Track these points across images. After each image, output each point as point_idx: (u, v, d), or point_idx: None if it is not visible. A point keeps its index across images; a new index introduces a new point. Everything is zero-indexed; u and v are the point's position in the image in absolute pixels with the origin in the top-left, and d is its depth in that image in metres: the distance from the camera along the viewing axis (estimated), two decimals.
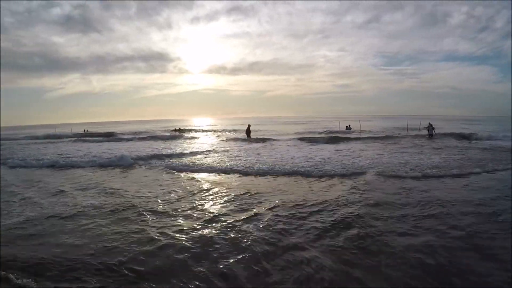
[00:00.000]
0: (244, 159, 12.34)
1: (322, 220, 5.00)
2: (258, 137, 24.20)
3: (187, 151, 15.85)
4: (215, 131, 37.65)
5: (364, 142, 19.46)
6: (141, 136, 28.49)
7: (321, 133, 27.78)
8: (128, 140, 26.10)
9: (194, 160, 12.73)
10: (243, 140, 22.30)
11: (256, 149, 16.43)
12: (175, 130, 38.75)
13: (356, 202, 5.94)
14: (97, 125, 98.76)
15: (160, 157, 13.91)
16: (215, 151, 15.84)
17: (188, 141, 24.20)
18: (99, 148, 18.52)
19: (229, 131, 35.78)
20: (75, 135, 34.10)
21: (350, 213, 5.26)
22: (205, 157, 13.63)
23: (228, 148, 16.96)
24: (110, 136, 32.03)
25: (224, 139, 24.76)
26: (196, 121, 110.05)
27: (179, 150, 16.34)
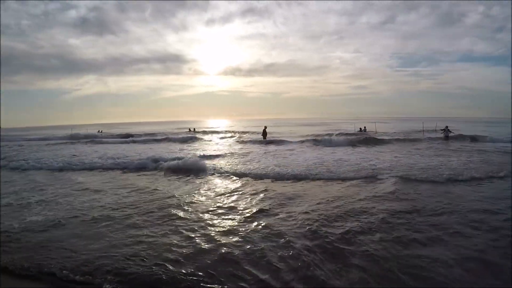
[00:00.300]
0: (273, 163, 12.39)
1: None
2: (277, 139, 24.13)
3: (209, 154, 16.02)
4: (232, 132, 37.83)
5: (383, 144, 19.31)
6: (157, 138, 28.77)
7: (339, 135, 27.78)
8: (145, 141, 26.45)
9: (221, 164, 12.62)
10: (262, 142, 22.43)
11: (280, 152, 16.44)
12: (190, 131, 39.82)
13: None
14: (113, 126, 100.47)
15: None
16: (237, 154, 15.95)
17: (206, 143, 24.32)
18: (116, 151, 18.70)
19: (247, 133, 35.80)
20: (89, 136, 34.83)
21: None
22: (232, 160, 13.71)
23: (250, 151, 17.08)
24: (126, 137, 32.60)
25: (243, 141, 24.91)
26: (212, 123, 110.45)
27: (199, 153, 16.47)
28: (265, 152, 16.26)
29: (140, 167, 12.15)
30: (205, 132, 38.31)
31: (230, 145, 21.27)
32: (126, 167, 12.25)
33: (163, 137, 28.50)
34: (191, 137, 27.75)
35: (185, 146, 21.86)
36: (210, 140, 26.58)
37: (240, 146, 20.68)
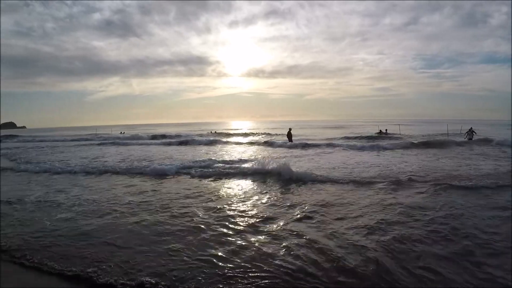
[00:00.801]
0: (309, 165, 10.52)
1: None
2: (311, 142, 22.23)
3: (239, 158, 14.47)
4: (259, 134, 36.93)
5: (411, 148, 17.73)
6: (182, 140, 28.29)
7: (362, 138, 26.53)
8: (169, 144, 25.48)
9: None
10: (291, 145, 20.63)
11: (314, 155, 15.05)
12: (211, 133, 40.12)
13: None
14: (136, 127, 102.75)
15: (211, 165, 12.32)
16: (271, 158, 14.00)
17: (233, 146, 22.82)
18: (142, 152, 18.11)
19: (273, 135, 34.66)
20: (110, 137, 35.04)
21: None
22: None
23: (285, 155, 15.27)
24: (151, 139, 32.30)
25: (270, 143, 23.52)
26: (236, 124, 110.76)
27: (233, 157, 14.99)
28: (312, 157, 14.18)
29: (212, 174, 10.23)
30: (229, 134, 37.34)
31: (263, 149, 19.61)
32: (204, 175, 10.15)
33: (189, 139, 27.94)
34: (216, 139, 26.75)
35: (215, 148, 20.46)
36: (239, 143, 25.07)
37: (276, 149, 18.96)
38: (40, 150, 22.00)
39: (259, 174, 9.61)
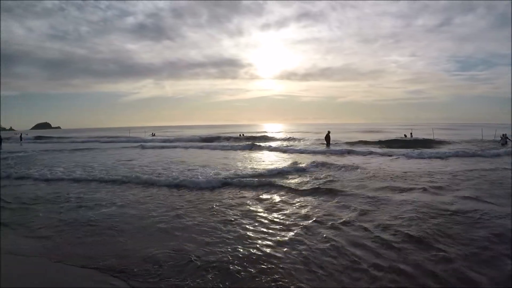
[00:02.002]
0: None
1: None
2: (356, 148, 19.43)
3: (294, 166, 12.22)
4: (296, 139, 34.71)
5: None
6: (220, 144, 27.57)
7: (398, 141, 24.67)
8: (202, 148, 24.64)
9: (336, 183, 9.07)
10: (340, 151, 18.15)
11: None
12: (240, 136, 39.47)
13: None
14: (169, 129, 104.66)
15: (272, 176, 10.62)
16: (332, 165, 12.44)
17: (277, 153, 20.78)
18: (174, 155, 17.27)
19: (312, 140, 32.35)
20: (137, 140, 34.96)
21: None
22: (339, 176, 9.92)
23: (345, 163, 12.84)
24: (180, 142, 32.00)
25: (314, 147, 22.17)
26: (268, 127, 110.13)
27: (286, 164, 12.84)
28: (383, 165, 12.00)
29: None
30: (265, 138, 35.17)
31: (311, 156, 17.13)
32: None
33: (226, 144, 27.12)
34: (251, 145, 24.66)
35: (255, 154, 18.81)
36: (278, 148, 22.60)
37: (321, 157, 16.37)
38: (108, 155, 19.21)
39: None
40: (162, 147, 24.96)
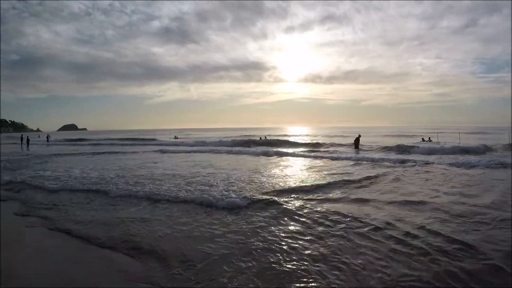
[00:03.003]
0: None
1: None
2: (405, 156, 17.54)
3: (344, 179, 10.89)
4: (324, 145, 31.22)
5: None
6: (250, 151, 26.41)
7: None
8: (227, 152, 23.72)
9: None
10: (383, 158, 16.43)
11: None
12: (261, 139, 38.80)
13: None
14: (193, 131, 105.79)
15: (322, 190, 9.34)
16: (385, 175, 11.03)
17: (310, 160, 19.22)
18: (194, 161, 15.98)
19: (341, 145, 29.69)
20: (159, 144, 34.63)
21: None
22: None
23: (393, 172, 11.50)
24: (203, 145, 31.62)
25: (349, 153, 20.36)
26: (293, 130, 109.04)
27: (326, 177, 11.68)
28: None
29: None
30: (290, 143, 33.15)
31: (351, 164, 15.63)
32: None
33: (255, 149, 25.87)
34: (273, 151, 22.95)
35: (286, 162, 17.39)
36: (309, 155, 20.94)
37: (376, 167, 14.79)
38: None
39: None
40: (191, 152, 24.56)
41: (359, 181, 10.44)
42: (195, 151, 25.38)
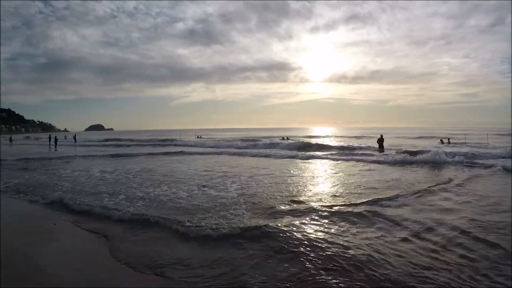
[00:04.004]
0: None
1: None
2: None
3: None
4: (359, 148, 28.31)
5: None
6: (282, 154, 25.42)
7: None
8: (256, 155, 22.67)
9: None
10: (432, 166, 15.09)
11: None
12: (283, 139, 39.48)
13: None
14: (218, 132, 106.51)
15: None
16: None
17: (347, 164, 17.64)
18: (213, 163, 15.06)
19: (371, 148, 27.54)
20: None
21: None
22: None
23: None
24: (229, 148, 30.25)
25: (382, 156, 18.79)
26: (319, 130, 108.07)
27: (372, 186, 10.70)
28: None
29: None
30: (320, 146, 30.17)
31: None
32: None
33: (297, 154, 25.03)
34: (311, 155, 22.21)
35: (322, 166, 16.15)
36: (343, 158, 19.33)
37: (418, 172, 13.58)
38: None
39: None
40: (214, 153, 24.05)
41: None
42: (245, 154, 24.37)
